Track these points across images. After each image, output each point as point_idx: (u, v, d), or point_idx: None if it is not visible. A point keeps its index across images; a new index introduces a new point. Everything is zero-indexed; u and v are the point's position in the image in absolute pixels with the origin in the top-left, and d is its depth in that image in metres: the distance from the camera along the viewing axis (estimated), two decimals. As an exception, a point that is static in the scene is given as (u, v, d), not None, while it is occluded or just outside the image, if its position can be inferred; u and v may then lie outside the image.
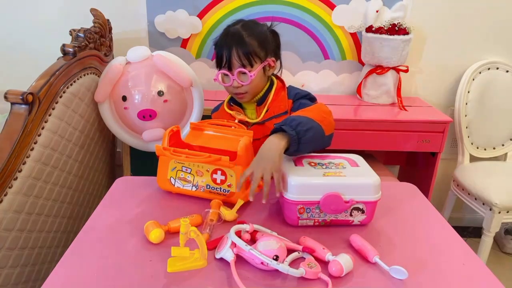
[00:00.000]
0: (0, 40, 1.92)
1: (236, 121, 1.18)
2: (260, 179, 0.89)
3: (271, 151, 0.91)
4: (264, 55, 1.16)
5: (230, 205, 0.99)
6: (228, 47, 1.13)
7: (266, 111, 1.21)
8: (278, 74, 1.28)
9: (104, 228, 0.92)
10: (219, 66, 1.17)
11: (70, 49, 1.38)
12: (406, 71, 1.91)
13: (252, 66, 1.14)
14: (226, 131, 1.10)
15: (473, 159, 2.02)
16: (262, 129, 1.19)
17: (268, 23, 1.24)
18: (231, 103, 1.27)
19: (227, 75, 1.15)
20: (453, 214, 2.14)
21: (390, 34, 1.78)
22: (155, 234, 0.85)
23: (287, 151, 0.94)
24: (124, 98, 1.53)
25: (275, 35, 1.23)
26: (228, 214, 0.94)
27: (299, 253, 0.82)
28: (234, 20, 1.22)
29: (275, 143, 0.92)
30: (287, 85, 1.26)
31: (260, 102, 1.22)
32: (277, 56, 1.23)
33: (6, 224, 1.06)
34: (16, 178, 1.09)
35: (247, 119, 1.21)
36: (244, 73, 1.14)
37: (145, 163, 1.64)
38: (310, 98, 1.20)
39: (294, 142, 0.92)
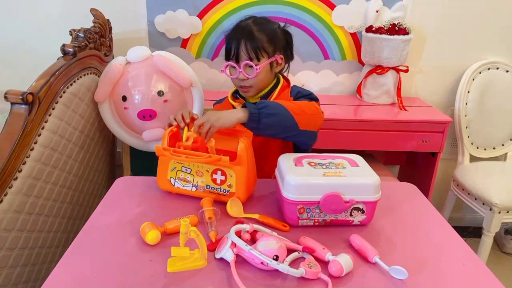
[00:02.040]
0: (0, 40, 1.92)
1: None
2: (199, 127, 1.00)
3: (227, 113, 1.01)
4: (272, 51, 1.18)
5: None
6: (237, 40, 1.15)
7: None
8: (285, 74, 1.29)
9: (104, 228, 0.92)
10: (227, 58, 1.19)
11: (70, 49, 1.38)
12: (406, 71, 1.91)
13: (259, 60, 1.15)
14: (226, 131, 1.09)
15: (473, 159, 2.02)
16: None
17: (281, 23, 1.26)
18: (236, 96, 1.27)
19: (234, 67, 1.17)
20: (453, 214, 2.14)
21: (390, 34, 1.78)
22: (151, 236, 0.84)
23: (245, 124, 1.02)
24: (124, 98, 1.53)
25: (286, 34, 1.24)
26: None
27: (299, 253, 0.82)
28: (246, 15, 1.23)
29: (236, 111, 1.02)
30: (291, 85, 1.27)
31: (264, 98, 1.22)
32: (287, 55, 1.24)
33: (6, 224, 1.06)
34: (16, 178, 1.09)
35: None
36: (251, 66, 1.15)
37: (145, 163, 1.64)
38: (311, 98, 1.21)
39: (253, 119, 1.01)
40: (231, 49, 1.15)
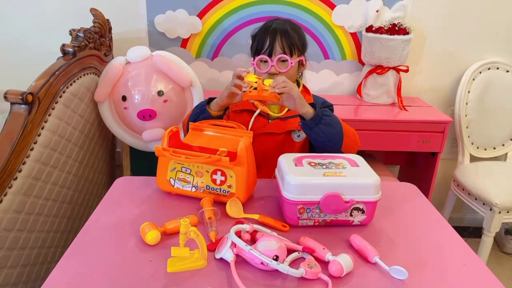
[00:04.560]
0: (0, 40, 1.92)
1: (258, 111, 1.23)
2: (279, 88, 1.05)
3: (303, 99, 1.09)
4: (302, 50, 1.23)
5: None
6: (273, 35, 1.18)
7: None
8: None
9: (104, 228, 0.91)
10: (257, 53, 1.21)
11: (70, 49, 1.38)
12: (406, 71, 1.91)
13: (291, 56, 1.19)
14: (226, 132, 1.09)
15: (473, 159, 2.02)
16: (284, 125, 1.25)
17: None
18: None
19: (266, 61, 1.19)
20: (453, 214, 2.14)
21: (390, 34, 1.78)
22: (151, 236, 0.84)
23: (304, 120, 1.09)
24: (124, 98, 1.53)
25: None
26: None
27: (299, 253, 0.82)
28: (274, 17, 1.28)
29: (307, 105, 1.09)
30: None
31: None
32: (306, 59, 1.28)
33: (6, 224, 1.06)
34: (16, 178, 1.09)
35: (269, 112, 1.23)
36: (284, 60, 1.19)
37: (145, 163, 1.64)
38: (332, 109, 1.29)
39: (315, 120, 1.08)
40: (265, 44, 1.19)
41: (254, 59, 1.21)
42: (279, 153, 1.04)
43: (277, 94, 1.07)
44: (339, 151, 1.14)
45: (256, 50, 1.22)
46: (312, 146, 1.30)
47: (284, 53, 1.18)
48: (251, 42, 1.26)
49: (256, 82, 1.07)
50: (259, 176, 1.08)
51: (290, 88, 1.05)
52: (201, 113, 1.19)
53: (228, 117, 1.29)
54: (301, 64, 1.25)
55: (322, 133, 1.09)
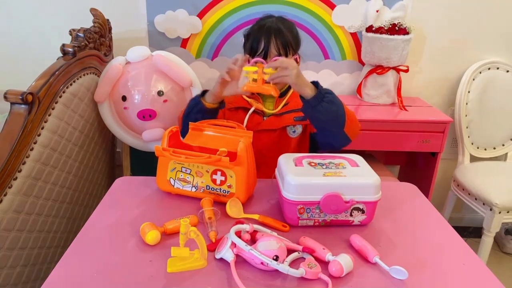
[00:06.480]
0: (0, 40, 1.92)
1: (253, 108, 1.23)
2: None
3: (305, 79, 1.07)
4: (296, 47, 1.22)
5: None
6: (267, 36, 1.18)
7: (285, 104, 1.25)
8: None
9: (104, 228, 0.91)
10: (251, 54, 1.20)
11: (70, 49, 1.38)
12: (406, 71, 1.90)
13: (286, 56, 1.19)
14: (226, 132, 1.09)
15: (473, 159, 2.02)
16: (279, 121, 1.25)
17: None
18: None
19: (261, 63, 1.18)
20: (453, 214, 2.13)
21: (390, 34, 1.78)
22: (151, 236, 0.84)
23: (306, 99, 1.06)
24: (124, 98, 1.53)
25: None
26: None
27: (299, 253, 0.82)
28: (265, 14, 1.29)
29: (309, 83, 1.07)
30: None
31: (282, 95, 1.25)
32: (300, 56, 1.27)
33: (6, 224, 1.06)
34: (16, 178, 1.09)
35: (264, 109, 1.24)
36: None
37: (145, 163, 1.64)
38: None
39: (316, 97, 1.05)
40: (259, 45, 1.18)
41: (249, 61, 1.21)
42: (275, 149, 1.04)
43: (276, 88, 1.07)
44: (342, 132, 1.11)
45: (251, 50, 1.21)
46: (312, 142, 1.29)
47: (279, 54, 1.17)
48: (243, 41, 1.26)
49: (255, 72, 1.06)
50: (258, 176, 1.08)
51: (284, 75, 1.04)
52: (195, 106, 1.18)
53: (224, 114, 1.29)
54: (296, 62, 1.24)
55: (325, 111, 1.06)
